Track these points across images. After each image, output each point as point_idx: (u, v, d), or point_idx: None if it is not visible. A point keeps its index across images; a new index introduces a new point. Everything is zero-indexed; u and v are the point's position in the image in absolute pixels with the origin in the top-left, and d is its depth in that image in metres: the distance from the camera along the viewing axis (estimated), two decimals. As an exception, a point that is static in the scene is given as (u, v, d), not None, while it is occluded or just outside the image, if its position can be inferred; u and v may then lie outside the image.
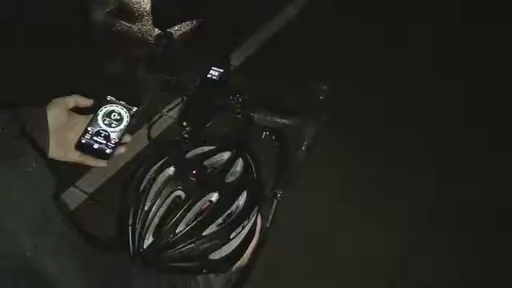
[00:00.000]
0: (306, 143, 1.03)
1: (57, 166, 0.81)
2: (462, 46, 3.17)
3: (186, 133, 0.98)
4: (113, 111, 0.86)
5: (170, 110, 1.07)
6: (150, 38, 3.35)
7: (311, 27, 3.25)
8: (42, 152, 0.78)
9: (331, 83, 1.05)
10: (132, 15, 3.59)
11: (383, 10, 3.48)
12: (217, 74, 1.01)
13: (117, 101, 0.88)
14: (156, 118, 1.06)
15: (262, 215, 1.69)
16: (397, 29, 3.26)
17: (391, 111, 2.63)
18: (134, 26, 3.45)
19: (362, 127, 2.52)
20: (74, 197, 2.09)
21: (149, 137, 1.05)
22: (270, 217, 1.82)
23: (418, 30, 3.27)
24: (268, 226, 1.82)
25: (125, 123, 0.86)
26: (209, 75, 1.01)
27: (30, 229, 0.49)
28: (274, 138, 1.53)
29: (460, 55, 3.08)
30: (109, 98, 0.87)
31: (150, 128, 1.05)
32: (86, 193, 2.12)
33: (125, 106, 0.87)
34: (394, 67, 2.95)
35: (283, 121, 0.99)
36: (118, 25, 3.31)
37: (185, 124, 0.95)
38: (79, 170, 2.16)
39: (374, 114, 2.61)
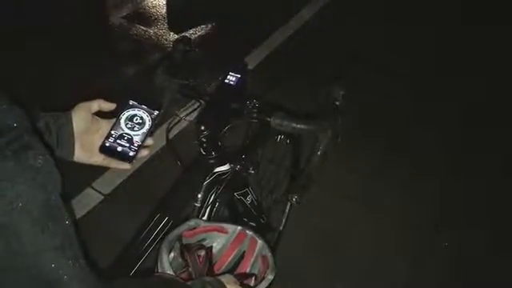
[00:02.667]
0: (321, 148, 1.04)
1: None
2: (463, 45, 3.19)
3: (203, 137, 0.99)
4: (135, 115, 0.88)
5: (188, 114, 1.09)
6: (166, 42, 3.42)
7: (327, 30, 3.25)
8: (52, 151, 0.78)
9: (347, 87, 1.05)
10: (148, 19, 3.68)
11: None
12: (234, 79, 1.02)
13: (139, 105, 0.89)
14: (174, 121, 1.08)
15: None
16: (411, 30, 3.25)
17: (399, 111, 2.64)
18: (150, 30, 3.53)
19: (374, 127, 2.53)
20: (90, 198, 2.12)
21: (167, 139, 1.07)
22: (284, 220, 1.84)
23: (418, 30, 3.29)
24: (281, 228, 1.84)
25: (147, 127, 0.88)
26: (226, 80, 1.02)
27: (33, 226, 0.47)
28: (289, 142, 1.54)
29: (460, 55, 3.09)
30: (131, 102, 0.89)
31: (168, 131, 1.07)
32: (102, 194, 2.15)
33: (146, 110, 0.89)
34: (405, 68, 2.95)
35: (299, 126, 0.99)
36: (135, 29, 3.38)
37: (202, 128, 0.97)
38: (95, 171, 2.19)
39: (386, 115, 2.61)
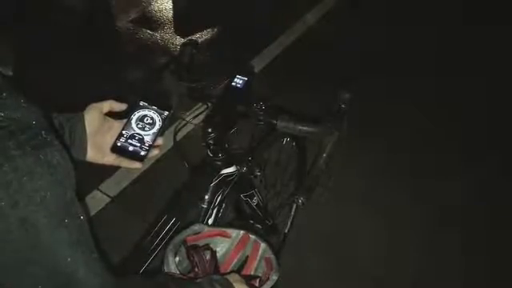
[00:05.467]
0: (326, 150, 1.05)
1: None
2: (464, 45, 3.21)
3: (210, 139, 1.01)
4: (145, 115, 0.90)
5: (195, 116, 1.10)
6: (173, 46, 3.44)
7: (332, 34, 3.27)
8: (68, 148, 0.80)
9: (353, 90, 1.07)
10: (155, 23, 3.71)
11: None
12: (241, 81, 1.04)
13: (149, 105, 0.91)
14: (182, 124, 1.10)
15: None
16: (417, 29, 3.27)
17: (406, 113, 2.65)
18: (156, 34, 3.56)
19: (382, 128, 2.54)
20: (97, 200, 2.14)
21: (174, 142, 1.08)
22: (289, 222, 1.85)
23: (419, 30, 3.31)
24: (287, 230, 1.85)
25: (157, 127, 0.89)
26: (233, 83, 1.04)
27: (50, 220, 0.49)
28: (295, 144, 1.55)
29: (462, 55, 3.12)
30: (141, 103, 0.91)
31: (175, 133, 1.08)
32: (108, 196, 2.16)
33: (157, 111, 0.91)
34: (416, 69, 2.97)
35: (305, 128, 1.00)
36: (141, 32, 3.41)
37: (209, 130, 0.98)
38: (102, 173, 2.21)
39: (393, 116, 2.63)
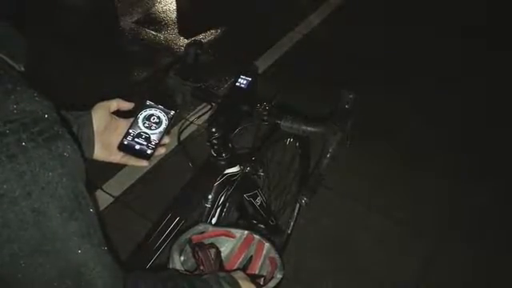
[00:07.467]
0: (330, 151, 1.05)
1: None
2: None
3: (214, 138, 1.01)
4: (152, 115, 0.91)
5: (199, 116, 1.11)
6: (176, 47, 3.45)
7: (336, 34, 3.27)
8: (79, 142, 0.80)
9: (356, 91, 1.07)
10: (158, 24, 3.71)
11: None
12: (245, 82, 1.04)
13: (155, 105, 0.92)
14: (186, 124, 1.10)
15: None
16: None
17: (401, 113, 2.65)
18: (160, 35, 3.57)
19: (382, 129, 2.54)
20: (100, 200, 2.14)
21: (179, 141, 1.09)
22: (292, 222, 1.85)
23: (421, 30, 3.32)
24: (290, 230, 1.85)
25: (164, 126, 0.91)
26: (237, 83, 1.04)
27: (61, 212, 0.49)
28: (298, 144, 1.56)
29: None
30: (148, 102, 0.92)
31: (180, 133, 1.08)
32: (112, 196, 2.16)
33: (163, 110, 0.92)
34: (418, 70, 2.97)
35: (308, 128, 1.01)
36: (145, 33, 3.41)
37: (214, 130, 0.99)
38: (106, 173, 2.21)
39: (393, 116, 2.63)
